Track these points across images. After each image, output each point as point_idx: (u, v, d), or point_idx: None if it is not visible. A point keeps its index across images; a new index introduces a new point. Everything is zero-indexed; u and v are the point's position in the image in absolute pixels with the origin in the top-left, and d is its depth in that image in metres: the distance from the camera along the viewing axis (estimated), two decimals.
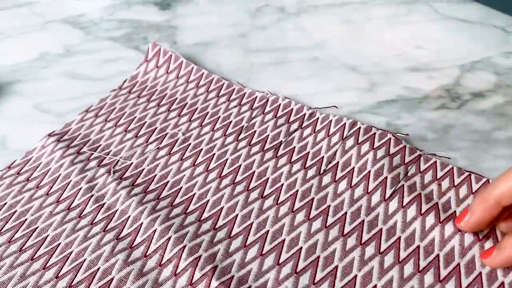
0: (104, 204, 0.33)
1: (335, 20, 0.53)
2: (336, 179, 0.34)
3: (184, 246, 0.29)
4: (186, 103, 0.42)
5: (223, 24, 0.54)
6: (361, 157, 0.35)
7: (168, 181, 0.35)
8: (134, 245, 0.30)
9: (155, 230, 0.30)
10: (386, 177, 0.33)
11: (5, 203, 0.33)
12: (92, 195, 0.33)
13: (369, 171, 0.34)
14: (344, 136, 0.36)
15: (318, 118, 0.39)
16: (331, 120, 0.38)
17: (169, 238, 0.30)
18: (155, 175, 0.35)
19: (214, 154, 0.36)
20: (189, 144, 0.37)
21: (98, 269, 0.29)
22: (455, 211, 0.31)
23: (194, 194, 0.33)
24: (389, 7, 0.54)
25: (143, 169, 0.36)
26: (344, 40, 0.50)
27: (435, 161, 0.35)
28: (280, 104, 0.40)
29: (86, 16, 0.56)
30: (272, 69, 0.47)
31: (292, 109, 0.40)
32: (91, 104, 0.43)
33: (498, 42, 0.48)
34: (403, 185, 0.33)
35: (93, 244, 0.30)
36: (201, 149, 0.37)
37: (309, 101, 0.42)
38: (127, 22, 0.55)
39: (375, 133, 0.36)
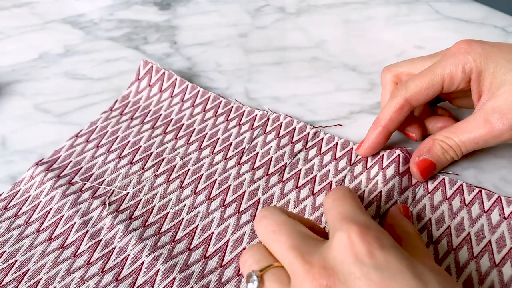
0: (100, 240, 0.31)
1: (335, 20, 0.53)
2: None
3: None
4: (183, 124, 0.39)
5: (223, 24, 0.54)
6: (370, 180, 0.33)
7: (168, 212, 0.32)
8: (135, 287, 0.28)
9: (157, 270, 0.28)
10: (396, 201, 0.32)
11: None
12: (87, 231, 0.31)
13: (380, 192, 0.32)
14: (352, 162, 0.35)
15: (322, 139, 0.37)
16: (337, 143, 0.37)
17: (174, 279, 0.28)
18: (154, 206, 0.33)
19: (216, 180, 0.35)
20: (188, 169, 0.35)
21: None
22: (469, 233, 0.30)
23: (197, 226, 0.31)
24: (389, 7, 0.55)
25: (140, 199, 0.33)
26: (344, 40, 0.50)
27: (443, 178, 0.33)
28: (281, 122, 0.39)
29: (86, 16, 0.56)
30: (272, 69, 0.47)
31: (294, 127, 0.38)
32: (91, 103, 0.43)
33: (498, 42, 0.48)
34: (411, 211, 0.32)
35: (91, 287, 0.28)
36: (202, 175, 0.35)
37: (309, 101, 0.42)
38: (127, 22, 0.55)
39: (383, 155, 0.35)
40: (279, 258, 0.23)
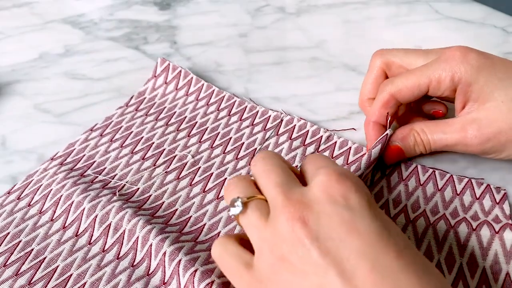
0: (110, 224, 0.31)
1: (335, 20, 0.53)
2: None
3: (196, 270, 0.27)
4: (196, 122, 0.40)
5: (223, 24, 0.54)
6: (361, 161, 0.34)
7: (176, 209, 0.33)
8: (150, 272, 0.29)
9: (164, 252, 0.29)
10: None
11: (8, 233, 0.31)
12: (96, 215, 0.31)
13: (362, 173, 0.33)
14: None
15: (336, 142, 0.37)
16: (350, 147, 0.36)
17: (180, 261, 0.28)
18: (163, 202, 0.33)
19: (226, 179, 0.35)
20: (199, 167, 0.36)
21: None
22: (424, 210, 0.32)
23: (205, 224, 0.32)
24: (389, 7, 0.55)
25: (150, 195, 0.34)
26: (344, 40, 0.50)
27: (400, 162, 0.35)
28: (295, 125, 0.39)
29: (86, 16, 0.56)
30: (272, 69, 0.47)
31: (307, 130, 0.38)
32: (91, 103, 0.43)
33: (498, 42, 0.48)
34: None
35: (108, 274, 0.29)
36: (212, 174, 0.35)
37: (309, 101, 0.42)
38: (127, 22, 0.55)
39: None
40: (264, 192, 0.25)
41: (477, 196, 0.33)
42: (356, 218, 0.21)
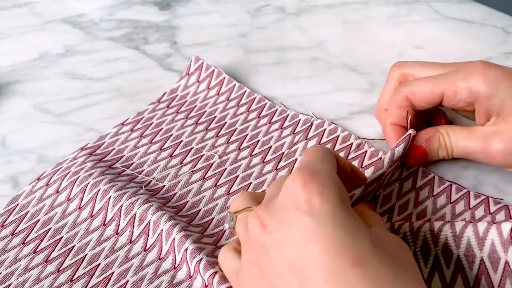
0: (135, 214, 0.31)
1: (335, 20, 0.53)
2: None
3: (215, 272, 0.27)
4: (225, 123, 0.40)
5: (223, 24, 0.54)
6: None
7: (199, 210, 0.33)
8: (176, 265, 0.29)
9: (186, 249, 0.29)
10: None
11: (38, 220, 0.32)
12: (122, 205, 0.32)
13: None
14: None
15: (366, 152, 0.36)
16: (381, 158, 0.35)
17: (200, 260, 0.28)
18: (187, 202, 0.33)
19: (251, 183, 0.34)
20: (225, 169, 0.36)
21: None
22: (430, 219, 0.31)
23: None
24: (389, 7, 0.55)
25: (175, 194, 0.34)
26: (344, 40, 0.50)
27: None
28: (325, 129, 0.38)
29: (86, 16, 0.56)
30: (272, 69, 0.47)
31: (338, 136, 0.37)
32: (91, 103, 0.43)
33: (498, 42, 0.48)
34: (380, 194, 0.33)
35: (135, 266, 0.29)
36: (237, 176, 0.35)
37: (309, 101, 0.42)
38: (127, 22, 0.55)
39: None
40: None
41: (490, 212, 0.31)
42: (317, 225, 0.21)
